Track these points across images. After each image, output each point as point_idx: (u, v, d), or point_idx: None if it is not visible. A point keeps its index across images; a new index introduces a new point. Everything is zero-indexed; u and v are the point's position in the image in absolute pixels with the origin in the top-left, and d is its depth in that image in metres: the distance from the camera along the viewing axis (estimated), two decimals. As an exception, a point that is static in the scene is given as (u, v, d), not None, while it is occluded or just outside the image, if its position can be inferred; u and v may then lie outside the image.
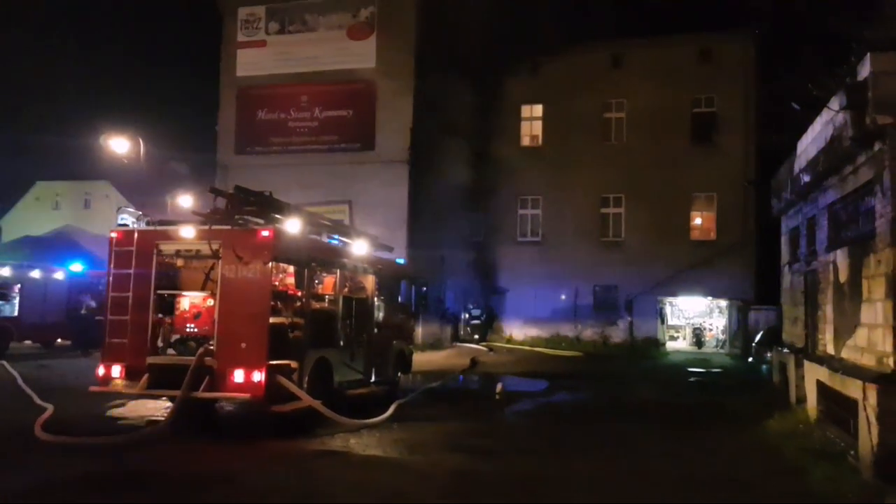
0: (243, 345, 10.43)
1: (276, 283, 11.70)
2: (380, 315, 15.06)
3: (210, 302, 11.10)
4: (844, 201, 11.24)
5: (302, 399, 10.92)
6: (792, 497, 8.32)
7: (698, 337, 32.56)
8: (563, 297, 31.86)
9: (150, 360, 10.98)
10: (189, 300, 11.39)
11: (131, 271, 11.10)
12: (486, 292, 33.21)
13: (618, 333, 31.44)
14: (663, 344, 31.55)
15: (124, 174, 32.34)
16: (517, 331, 32.65)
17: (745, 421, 12.97)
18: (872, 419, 8.42)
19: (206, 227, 11.14)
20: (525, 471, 9.20)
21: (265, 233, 10.83)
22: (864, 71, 9.29)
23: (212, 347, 10.70)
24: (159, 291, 11.34)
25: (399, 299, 16.39)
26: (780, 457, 10.17)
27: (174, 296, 11.46)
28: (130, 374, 10.87)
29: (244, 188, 12.31)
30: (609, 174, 31.77)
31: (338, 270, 13.08)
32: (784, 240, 17.25)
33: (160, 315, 11.32)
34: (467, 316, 33.36)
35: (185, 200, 15.45)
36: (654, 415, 13.95)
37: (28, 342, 23.25)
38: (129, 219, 12.75)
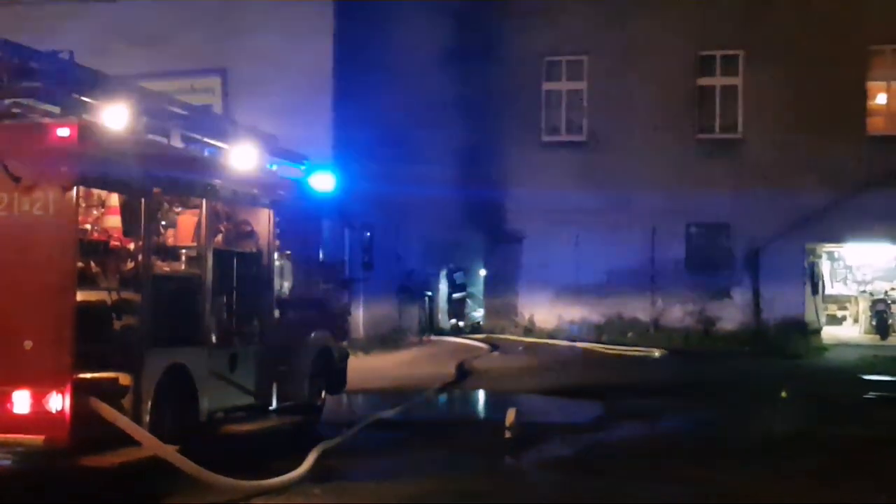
0: (27, 343, 10.48)
1: (88, 227, 11.71)
2: (285, 285, 15.22)
3: (-40, 264, 11.09)
4: None
5: (141, 442, 10.99)
6: None
7: (881, 317, 33.04)
8: (630, 246, 32.12)
9: None
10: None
11: None
12: (488, 240, 33.42)
13: (731, 313, 31.87)
14: (817, 331, 32.04)
15: None
16: (543, 312, 33.03)
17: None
18: None
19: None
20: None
21: (63, 131, 10.77)
22: None
23: (-35, 349, 10.76)
24: None
25: (321, 256, 16.53)
26: None
27: None
28: None
29: (18, 45, 12.21)
30: (713, 13, 31.83)
31: (203, 202, 13.13)
32: None
33: None
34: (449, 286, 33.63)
35: None
36: (802, 458, 14.14)
37: None
38: None
